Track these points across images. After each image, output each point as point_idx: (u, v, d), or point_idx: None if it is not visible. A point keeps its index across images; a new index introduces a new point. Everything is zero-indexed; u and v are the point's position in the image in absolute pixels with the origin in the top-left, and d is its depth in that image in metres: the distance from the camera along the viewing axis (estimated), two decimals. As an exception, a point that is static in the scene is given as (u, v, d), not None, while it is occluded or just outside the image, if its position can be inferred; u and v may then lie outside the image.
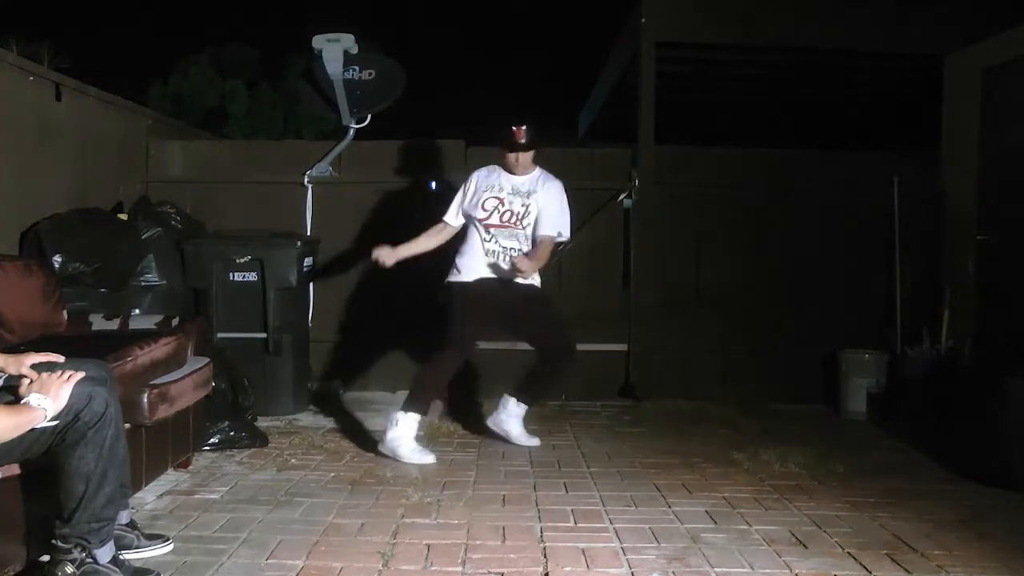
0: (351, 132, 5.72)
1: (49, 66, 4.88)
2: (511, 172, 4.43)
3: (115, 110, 5.54)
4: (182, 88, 10.24)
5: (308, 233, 5.73)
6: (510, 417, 4.53)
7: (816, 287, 5.84)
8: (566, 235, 4.48)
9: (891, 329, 5.70)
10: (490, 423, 4.57)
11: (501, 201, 4.38)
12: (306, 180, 5.84)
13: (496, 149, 4.51)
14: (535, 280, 4.46)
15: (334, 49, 5.41)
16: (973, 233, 5.47)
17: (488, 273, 4.40)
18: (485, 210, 4.37)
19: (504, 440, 4.55)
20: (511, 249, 4.36)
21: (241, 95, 10.38)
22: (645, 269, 5.79)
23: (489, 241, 4.39)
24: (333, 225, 5.82)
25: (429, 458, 4.14)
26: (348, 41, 5.44)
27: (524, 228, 4.38)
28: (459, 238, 4.55)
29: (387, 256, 4.44)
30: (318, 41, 5.44)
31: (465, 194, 4.50)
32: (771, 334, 5.82)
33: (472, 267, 4.40)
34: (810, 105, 8.27)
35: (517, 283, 4.37)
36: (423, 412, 4.23)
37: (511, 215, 4.36)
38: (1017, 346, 4.51)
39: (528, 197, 4.38)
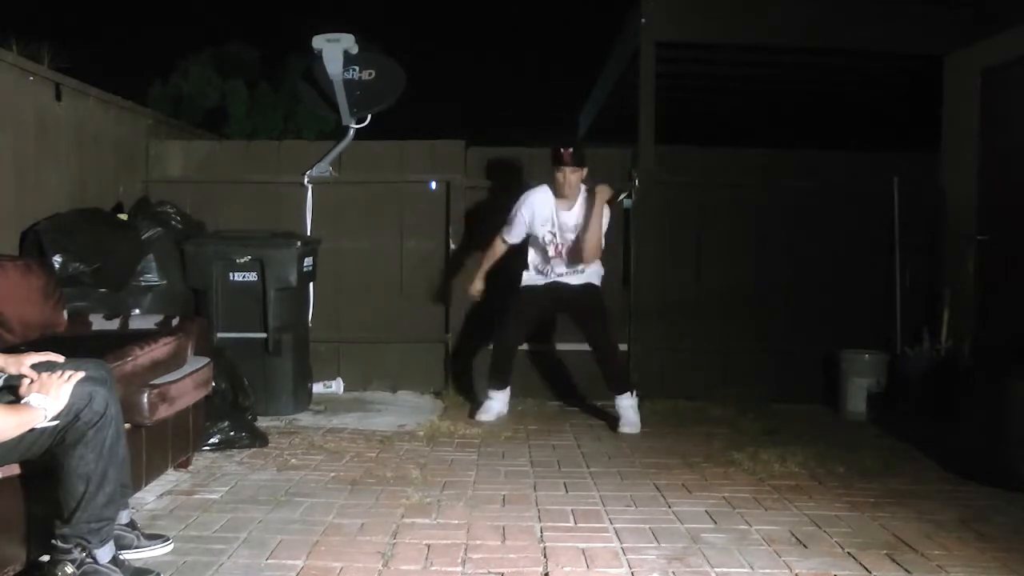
0: (351, 132, 5.72)
1: (49, 66, 4.87)
2: (560, 195, 4.88)
3: (115, 110, 5.55)
4: (182, 88, 10.22)
5: (308, 233, 5.73)
6: (626, 410, 4.93)
7: (816, 287, 5.84)
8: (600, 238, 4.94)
9: (891, 329, 5.70)
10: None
11: (555, 236, 4.92)
12: (306, 180, 5.84)
13: (500, 151, 5.07)
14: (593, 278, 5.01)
15: (334, 49, 5.42)
16: (973, 233, 5.47)
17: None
18: (544, 241, 4.94)
19: (504, 440, 4.57)
20: (576, 268, 4.93)
21: (241, 95, 10.35)
22: (645, 269, 5.79)
23: (551, 262, 4.97)
24: (333, 225, 5.82)
25: None
26: (348, 41, 5.44)
27: (577, 253, 4.91)
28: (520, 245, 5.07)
29: (476, 290, 5.10)
30: (318, 41, 5.44)
31: (526, 221, 4.96)
32: (771, 334, 5.82)
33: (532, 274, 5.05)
34: (810, 105, 8.27)
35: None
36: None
37: (563, 246, 4.92)
38: (1017, 346, 4.50)
39: (576, 231, 4.89)
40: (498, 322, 5.13)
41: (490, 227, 5.24)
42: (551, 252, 4.94)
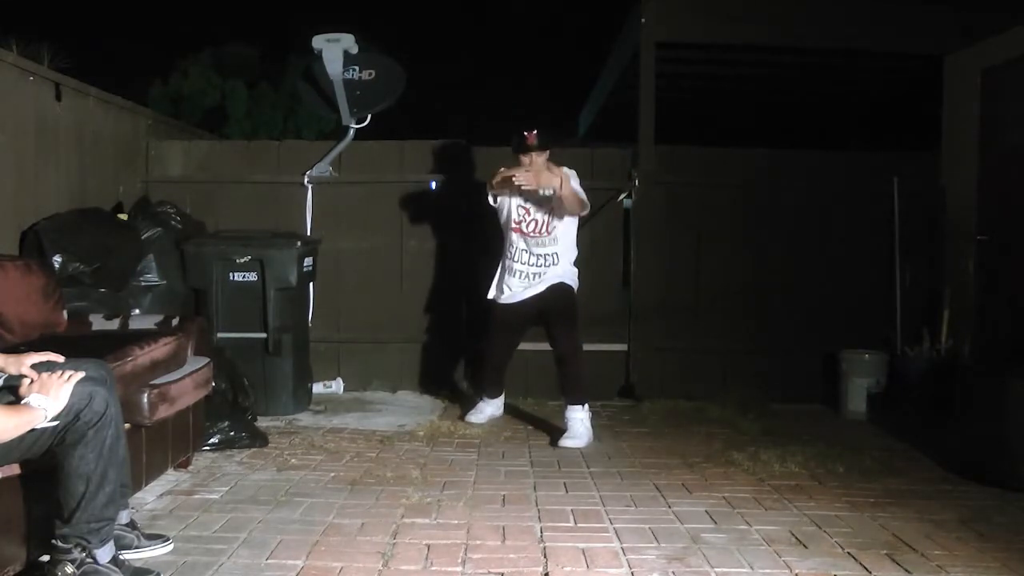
0: (351, 132, 5.72)
1: (49, 66, 4.87)
2: None
3: (115, 110, 5.54)
4: (182, 88, 10.24)
5: (308, 233, 5.73)
6: (575, 422, 4.57)
7: (816, 287, 5.84)
8: (582, 196, 4.62)
9: (891, 329, 5.70)
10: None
11: (527, 211, 4.67)
12: (306, 180, 5.84)
13: (502, 150, 4.77)
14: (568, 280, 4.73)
15: (334, 49, 5.42)
16: (973, 233, 5.47)
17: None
18: (516, 219, 4.69)
19: (504, 440, 4.58)
20: (546, 255, 4.66)
21: (241, 95, 10.37)
22: (645, 269, 5.79)
23: (517, 254, 4.69)
24: (333, 225, 5.82)
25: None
26: (348, 41, 5.44)
27: (551, 232, 4.65)
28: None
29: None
30: (318, 41, 5.44)
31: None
32: (771, 334, 5.82)
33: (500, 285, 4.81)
34: (810, 105, 8.28)
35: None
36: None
37: (537, 224, 4.66)
38: (1017, 346, 4.51)
39: (548, 203, 4.60)
40: (484, 336, 5.06)
41: (491, 227, 5.23)
42: (527, 229, 4.64)
